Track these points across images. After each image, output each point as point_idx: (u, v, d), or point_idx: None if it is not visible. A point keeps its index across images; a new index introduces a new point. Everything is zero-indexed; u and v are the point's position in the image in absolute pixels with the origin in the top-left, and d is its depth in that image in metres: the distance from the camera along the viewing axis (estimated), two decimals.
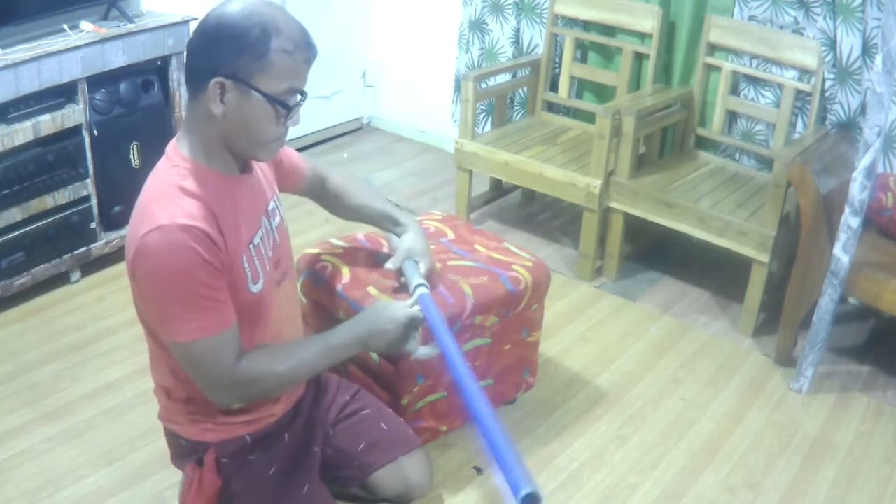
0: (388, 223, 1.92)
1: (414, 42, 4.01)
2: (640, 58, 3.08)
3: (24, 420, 2.10)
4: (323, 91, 3.90)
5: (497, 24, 3.40)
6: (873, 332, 2.73)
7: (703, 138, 3.05)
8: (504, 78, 3.32)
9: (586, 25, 3.19)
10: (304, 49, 1.37)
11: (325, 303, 2.00)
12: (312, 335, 1.64)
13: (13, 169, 2.39)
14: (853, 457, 2.15)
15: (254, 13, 1.33)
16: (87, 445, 2.04)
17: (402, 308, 1.62)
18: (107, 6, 2.73)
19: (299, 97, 1.41)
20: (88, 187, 2.63)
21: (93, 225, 2.69)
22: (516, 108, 3.47)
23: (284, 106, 1.38)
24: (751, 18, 2.81)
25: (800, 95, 2.76)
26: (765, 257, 2.52)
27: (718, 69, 2.90)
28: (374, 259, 2.02)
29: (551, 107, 3.39)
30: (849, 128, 2.64)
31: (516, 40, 3.39)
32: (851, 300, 2.76)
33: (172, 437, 1.65)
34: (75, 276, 2.72)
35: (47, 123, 2.44)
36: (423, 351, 1.67)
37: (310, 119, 3.80)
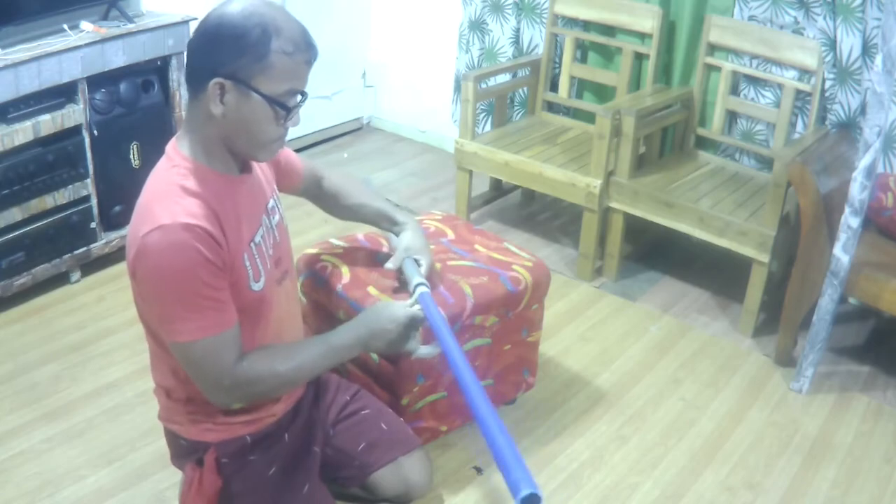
0: (385, 222, 1.92)
1: (414, 42, 4.01)
2: (640, 58, 3.08)
3: (24, 420, 2.10)
4: (323, 91, 3.90)
5: (497, 24, 3.40)
6: (873, 332, 2.73)
7: (703, 138, 3.05)
8: (504, 78, 3.32)
9: (586, 25, 3.19)
10: (305, 50, 1.37)
11: (325, 303, 2.00)
12: (313, 336, 1.64)
13: (13, 169, 2.39)
14: (853, 457, 2.15)
15: (254, 14, 1.33)
16: (87, 445, 2.04)
17: (403, 308, 1.62)
18: (107, 6, 2.73)
19: (299, 98, 1.41)
20: (88, 187, 2.64)
21: (93, 225, 2.69)
22: (516, 108, 3.47)
23: (284, 107, 1.38)
24: (751, 18, 2.81)
25: (800, 95, 2.76)
26: (765, 257, 2.52)
27: (718, 69, 2.90)
28: (374, 259, 2.02)
29: (551, 107, 3.39)
30: (849, 128, 2.64)
31: (516, 40, 3.39)
32: (851, 300, 2.76)
33: (172, 437, 1.65)
34: (75, 276, 2.72)
35: (47, 123, 2.44)
36: (423, 350, 1.67)
37: (310, 119, 3.79)
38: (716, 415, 2.28)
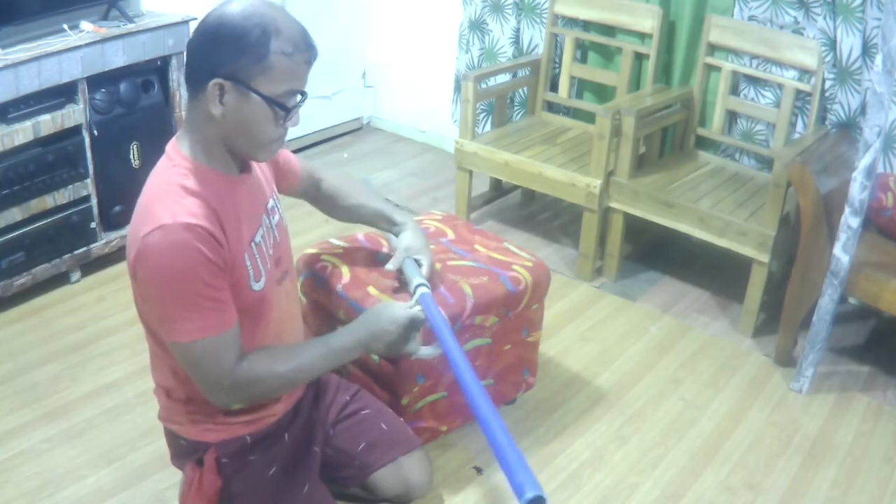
0: (384, 223, 1.92)
1: (414, 42, 4.01)
2: (640, 58, 3.08)
3: (24, 420, 2.10)
4: (323, 91, 3.90)
5: (497, 24, 3.40)
6: (873, 332, 2.73)
7: (703, 138, 3.05)
8: (504, 78, 3.32)
9: (586, 25, 3.19)
10: (304, 50, 1.37)
11: (324, 303, 2.00)
12: (314, 338, 1.64)
13: (13, 169, 2.39)
14: (853, 457, 2.15)
15: (254, 14, 1.32)
16: (87, 445, 2.04)
17: (403, 309, 1.62)
18: (107, 6, 2.73)
19: (299, 98, 1.41)
20: (88, 187, 2.64)
21: (93, 225, 2.69)
22: (516, 108, 3.47)
23: (283, 108, 1.38)
24: (751, 18, 2.81)
25: (800, 95, 2.76)
26: (765, 257, 2.52)
27: (718, 69, 2.90)
28: (374, 259, 2.02)
29: (551, 107, 3.39)
30: (849, 128, 2.64)
31: (516, 40, 3.39)
32: (851, 300, 2.76)
33: (172, 437, 1.65)
34: (75, 276, 2.72)
35: (47, 123, 2.44)
36: (424, 351, 1.67)
37: (310, 119, 3.79)
38: (716, 415, 2.28)
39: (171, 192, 1.37)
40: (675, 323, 2.71)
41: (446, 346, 1.53)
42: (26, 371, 2.29)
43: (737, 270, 2.79)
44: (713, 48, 2.90)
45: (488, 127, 3.43)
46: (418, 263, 1.83)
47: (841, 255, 2.20)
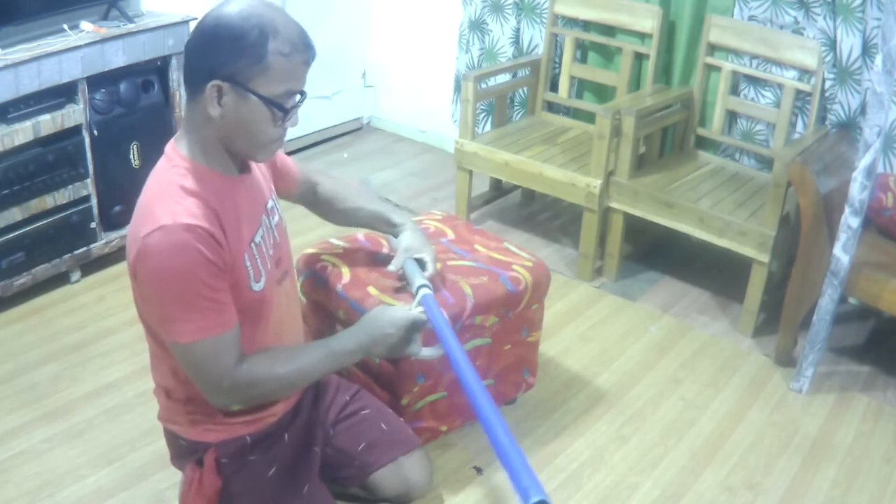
0: (382, 224, 1.91)
1: (414, 42, 4.01)
2: (640, 58, 3.08)
3: (24, 420, 2.10)
4: (323, 91, 3.90)
5: (497, 24, 3.40)
6: (873, 332, 2.73)
7: (703, 138, 3.05)
8: (504, 78, 3.32)
9: (586, 25, 3.19)
10: (302, 51, 1.36)
11: (324, 303, 2.00)
12: (314, 341, 1.64)
13: (13, 169, 2.39)
14: (853, 457, 2.15)
15: (252, 15, 1.32)
16: (87, 445, 2.04)
17: (403, 311, 1.62)
18: (107, 6, 2.73)
19: (298, 98, 1.41)
20: (88, 187, 2.64)
21: (93, 225, 2.69)
22: (516, 108, 3.47)
23: (282, 108, 1.38)
24: (751, 18, 2.81)
25: (800, 95, 2.76)
26: (765, 257, 2.52)
27: (718, 69, 2.90)
28: (374, 259, 2.02)
29: (551, 107, 3.39)
30: (849, 128, 2.64)
31: (516, 40, 3.39)
32: (851, 300, 2.76)
33: (172, 438, 1.65)
34: (75, 276, 2.72)
35: (47, 123, 2.44)
36: (425, 352, 1.66)
37: (310, 119, 3.80)
38: (716, 415, 2.28)
39: (170, 193, 1.37)
40: (675, 323, 2.71)
41: (449, 348, 1.53)
42: (26, 371, 2.29)
43: (737, 270, 2.79)
44: (713, 48, 2.90)
45: (488, 127, 3.43)
46: (421, 262, 1.83)
47: (841, 255, 2.20)
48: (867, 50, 2.52)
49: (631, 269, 3.02)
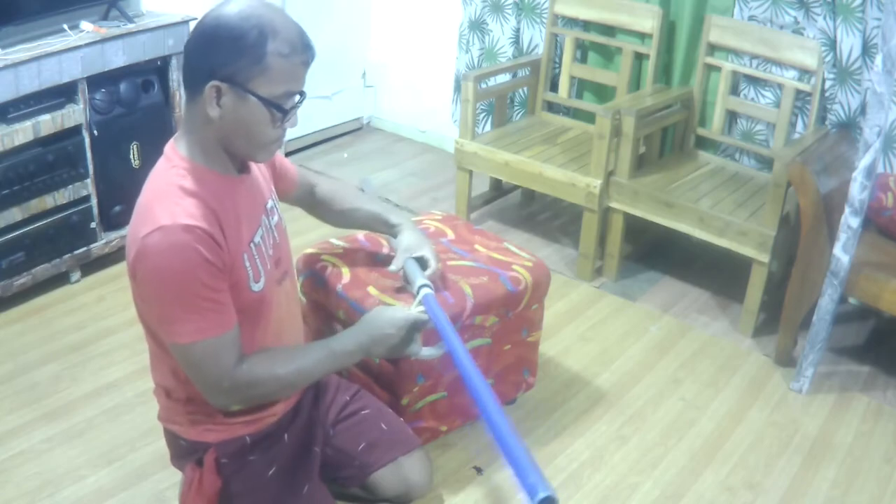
0: (380, 225, 1.91)
1: (414, 42, 4.01)
2: (640, 58, 3.08)
3: (24, 420, 2.10)
4: (323, 91, 3.90)
5: (497, 24, 3.40)
6: (873, 332, 2.73)
7: (703, 138, 3.05)
8: (504, 78, 3.32)
9: (586, 25, 3.19)
10: (302, 51, 1.36)
11: (324, 303, 2.00)
12: (314, 341, 1.64)
13: (13, 169, 2.39)
14: (853, 457, 2.15)
15: (251, 15, 1.32)
16: (87, 445, 2.04)
17: (403, 311, 1.62)
18: (107, 6, 2.73)
19: (297, 98, 1.41)
20: (88, 187, 2.64)
21: (93, 225, 2.69)
22: (516, 108, 3.47)
23: (280, 109, 1.38)
24: (751, 18, 2.81)
25: (800, 95, 2.76)
26: (765, 257, 2.52)
27: (718, 69, 2.90)
28: (374, 259, 2.02)
29: (551, 107, 3.39)
30: (849, 128, 2.64)
31: (516, 40, 3.39)
32: (851, 300, 2.76)
33: (172, 438, 1.65)
34: (75, 276, 2.72)
35: (47, 123, 2.44)
36: (426, 352, 1.66)
37: (310, 119, 3.80)
38: (716, 415, 2.28)
39: (169, 193, 1.37)
40: (675, 323, 2.71)
41: (452, 348, 1.53)
42: (26, 371, 2.29)
43: (737, 270, 2.79)
44: (713, 48, 2.90)
45: (488, 127, 3.43)
46: (422, 260, 1.82)
47: (841, 255, 2.20)
48: (867, 50, 2.52)
49: (631, 269, 3.02)
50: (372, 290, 1.89)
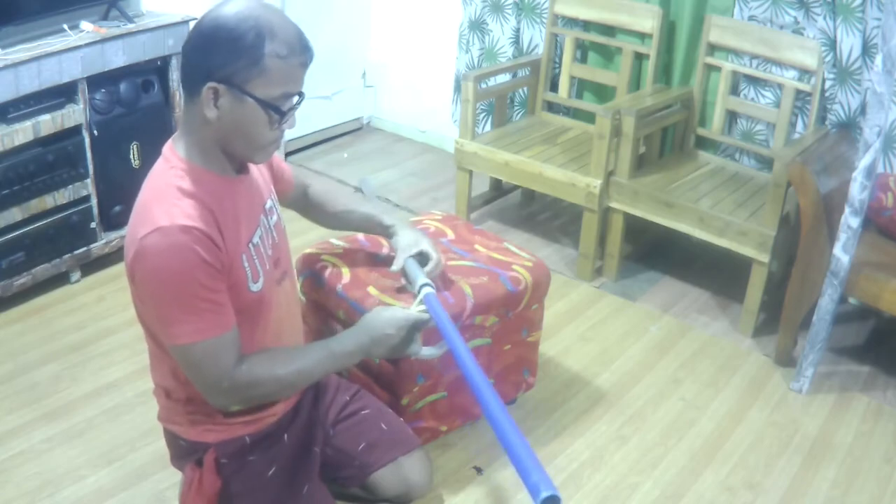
0: (375, 227, 1.91)
1: (414, 42, 4.01)
2: (640, 58, 3.08)
3: (24, 420, 2.10)
4: (323, 91, 3.90)
5: (497, 24, 3.40)
6: (873, 332, 2.73)
7: (703, 138, 3.05)
8: (504, 78, 3.32)
9: (586, 25, 3.19)
10: (300, 53, 1.36)
11: (324, 303, 2.00)
12: (314, 342, 1.64)
13: (13, 169, 2.40)
14: (853, 457, 2.15)
15: (249, 17, 1.31)
16: (87, 445, 2.04)
17: (403, 311, 1.62)
18: (107, 6, 2.73)
19: (296, 99, 1.40)
20: (88, 187, 2.64)
21: (93, 225, 2.69)
22: (516, 108, 3.47)
23: (278, 111, 1.37)
24: (751, 18, 2.81)
25: (800, 95, 2.76)
26: (765, 257, 2.52)
27: (718, 69, 2.90)
28: (374, 259, 2.02)
29: (551, 107, 3.39)
30: (849, 128, 2.64)
31: (516, 40, 3.39)
32: (851, 300, 2.76)
33: (172, 438, 1.65)
34: (75, 276, 2.72)
35: (47, 123, 2.44)
36: (426, 352, 1.66)
37: (310, 119, 3.80)
38: (716, 415, 2.28)
39: (167, 194, 1.36)
40: (675, 323, 2.71)
41: (454, 347, 1.52)
42: (26, 371, 2.29)
43: (737, 270, 2.79)
44: (713, 48, 2.90)
45: (488, 127, 3.43)
46: (423, 255, 1.81)
47: (841, 255, 2.20)
48: (867, 50, 2.52)
49: (631, 269, 3.02)
50: (372, 290, 1.89)
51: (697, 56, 2.95)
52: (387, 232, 1.89)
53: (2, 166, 2.37)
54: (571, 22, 3.20)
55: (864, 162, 2.08)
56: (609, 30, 3.13)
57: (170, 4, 2.88)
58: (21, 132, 2.38)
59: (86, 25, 2.58)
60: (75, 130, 2.54)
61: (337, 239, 2.13)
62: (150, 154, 2.63)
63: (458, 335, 1.55)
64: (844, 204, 2.14)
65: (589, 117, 3.15)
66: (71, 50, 2.44)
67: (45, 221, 2.54)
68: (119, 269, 2.79)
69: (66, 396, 2.20)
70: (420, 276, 1.75)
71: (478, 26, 3.45)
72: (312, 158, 3.87)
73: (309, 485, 1.68)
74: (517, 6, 3.34)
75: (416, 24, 3.96)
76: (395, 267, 1.82)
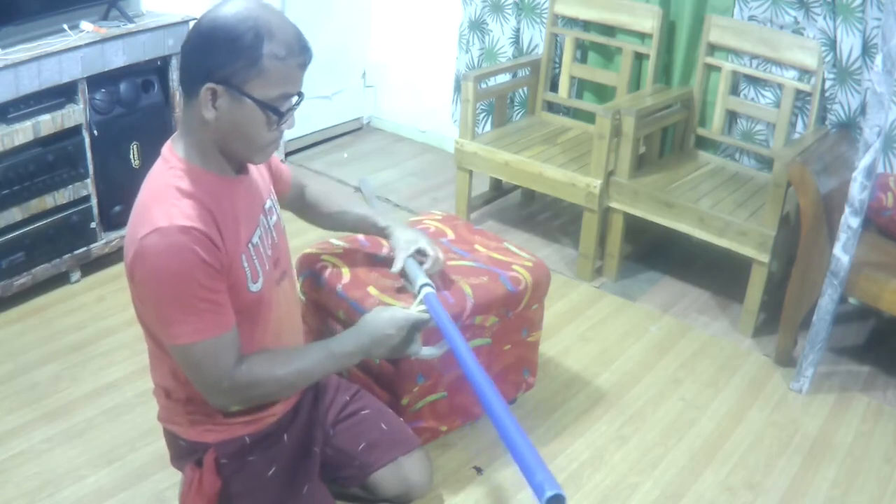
0: (370, 228, 1.91)
1: (414, 42, 4.01)
2: (640, 58, 3.08)
3: (24, 420, 2.10)
4: (323, 91, 3.90)
5: (497, 24, 3.40)
6: (873, 332, 2.73)
7: (703, 138, 3.05)
8: (504, 78, 3.32)
9: (586, 25, 3.19)
10: (298, 54, 1.36)
11: (324, 303, 2.00)
12: (314, 342, 1.64)
13: (13, 169, 2.40)
14: (853, 457, 2.15)
15: (247, 17, 1.31)
16: (87, 445, 2.04)
17: (403, 311, 1.62)
18: (107, 6, 2.73)
19: (294, 100, 1.40)
20: (88, 187, 2.64)
21: (93, 225, 2.69)
22: (516, 108, 3.47)
23: (276, 112, 1.37)
24: (751, 18, 2.81)
25: (800, 95, 2.76)
26: (765, 257, 2.52)
27: (718, 69, 2.90)
28: (374, 259, 2.02)
29: (551, 107, 3.39)
30: (849, 128, 2.64)
31: (516, 40, 3.39)
32: (851, 300, 2.76)
33: (172, 438, 1.65)
34: (75, 276, 2.72)
35: (47, 123, 2.44)
36: (426, 352, 1.66)
37: (310, 119, 3.80)
38: (716, 415, 2.28)
39: (167, 195, 1.36)
40: (675, 323, 2.71)
41: (455, 347, 1.52)
42: (26, 371, 2.29)
43: (737, 270, 2.79)
44: (713, 48, 2.90)
45: (488, 127, 3.43)
46: (422, 251, 1.81)
47: (841, 255, 2.20)
48: (867, 50, 2.52)
49: (631, 269, 3.02)
50: (372, 290, 1.89)
51: (697, 56, 2.94)
52: (382, 233, 1.89)
53: (2, 166, 2.37)
54: (571, 22, 3.20)
55: (864, 162, 2.08)
56: (609, 30, 3.13)
57: (170, 4, 2.88)
58: (21, 132, 2.38)
59: (86, 25, 2.58)
60: (75, 130, 2.54)
61: (337, 239, 2.13)
62: (150, 154, 2.63)
63: (458, 334, 1.55)
64: (844, 204, 2.14)
65: (589, 117, 3.15)
66: (71, 50, 2.44)
67: (45, 221, 2.54)
68: (119, 269, 2.79)
69: (66, 396, 2.20)
70: (420, 276, 1.75)
71: (478, 26, 3.45)
72: (312, 158, 3.87)
73: (309, 485, 1.68)
74: (517, 6, 3.34)
75: (416, 24, 3.96)
76: (395, 268, 1.82)
